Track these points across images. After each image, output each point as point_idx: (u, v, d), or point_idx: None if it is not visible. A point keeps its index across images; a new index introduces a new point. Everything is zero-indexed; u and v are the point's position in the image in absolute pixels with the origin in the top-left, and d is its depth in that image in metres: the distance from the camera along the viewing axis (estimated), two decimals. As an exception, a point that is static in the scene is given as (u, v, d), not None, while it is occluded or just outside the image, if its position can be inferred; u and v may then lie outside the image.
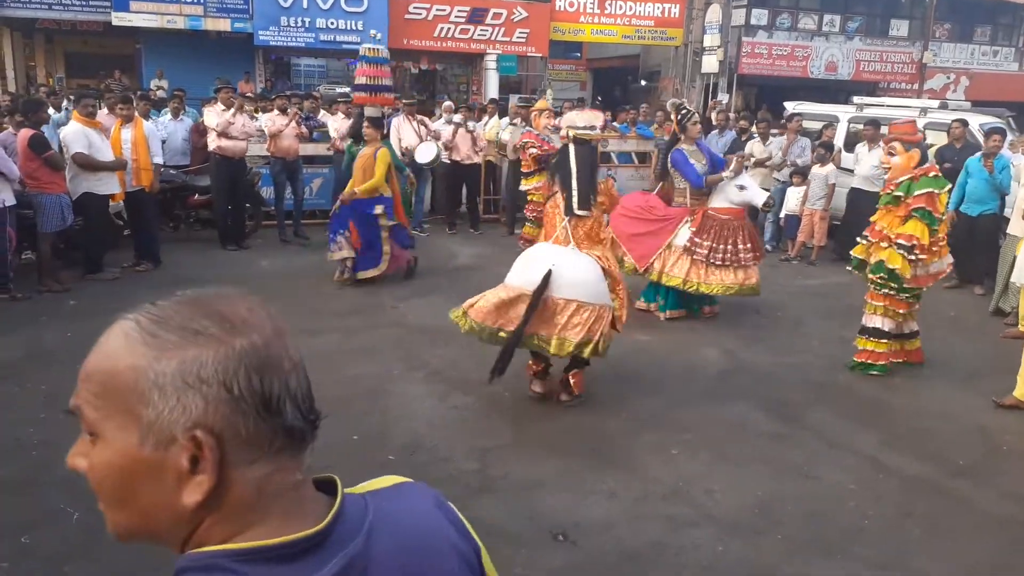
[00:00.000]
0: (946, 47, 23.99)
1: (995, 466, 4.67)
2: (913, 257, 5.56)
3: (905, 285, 5.68)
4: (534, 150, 8.68)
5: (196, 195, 9.58)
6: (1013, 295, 7.45)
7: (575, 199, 4.95)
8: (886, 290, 5.74)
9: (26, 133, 7.10)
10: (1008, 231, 7.67)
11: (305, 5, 18.16)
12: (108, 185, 7.67)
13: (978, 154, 8.55)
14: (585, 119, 5.19)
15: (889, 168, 5.76)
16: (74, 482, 3.62)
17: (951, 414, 5.35)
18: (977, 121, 9.98)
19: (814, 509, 4.07)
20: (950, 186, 5.91)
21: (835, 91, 20.81)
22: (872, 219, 5.93)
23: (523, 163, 9.00)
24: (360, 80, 8.32)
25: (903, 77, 23.15)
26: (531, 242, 9.71)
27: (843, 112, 11.66)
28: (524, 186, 9.12)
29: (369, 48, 8.09)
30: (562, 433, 4.83)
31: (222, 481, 0.78)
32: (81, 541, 3.53)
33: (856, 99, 12.40)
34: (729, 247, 6.79)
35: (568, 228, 5.02)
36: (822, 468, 4.51)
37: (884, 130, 9.62)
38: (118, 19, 17.37)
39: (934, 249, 5.67)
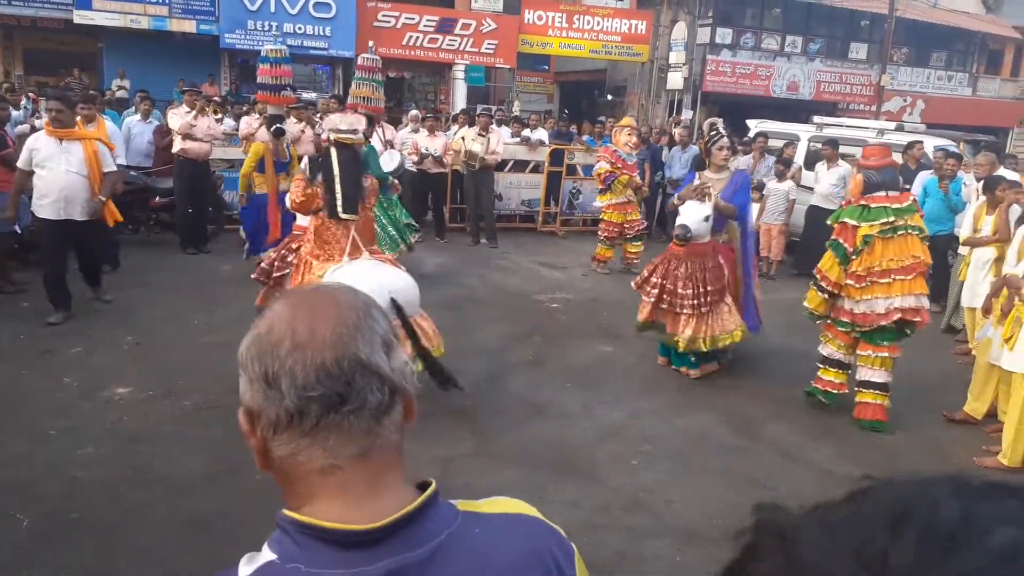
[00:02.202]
0: (903, 71, 24.65)
1: (945, 479, 4.78)
2: (826, 292, 5.34)
3: (836, 318, 5.43)
4: (605, 165, 8.47)
5: (157, 197, 9.43)
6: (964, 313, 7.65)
7: (339, 203, 4.97)
8: (832, 321, 5.52)
9: None
10: (959, 251, 7.89)
11: (273, 9, 18.06)
12: (53, 208, 6.27)
13: (930, 173, 8.79)
14: (348, 122, 5.19)
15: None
16: (23, 488, 3.56)
17: (904, 427, 5.47)
18: (932, 143, 10.27)
19: (771, 520, 4.13)
20: (890, 219, 5.12)
21: (796, 110, 21.24)
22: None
23: (597, 181, 9.39)
24: (263, 80, 8.38)
25: (862, 98, 23.70)
26: (604, 263, 9.72)
27: (804, 131, 11.91)
28: (598, 202, 9.20)
29: (272, 49, 8.14)
30: (524, 443, 4.84)
31: (266, 451, 0.88)
32: (31, 548, 3.45)
33: (816, 119, 12.70)
34: (679, 289, 5.84)
35: (356, 236, 5.03)
36: (778, 479, 4.59)
37: (842, 149, 9.91)
38: (80, 17, 17.08)
39: (852, 284, 5.22)
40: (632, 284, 6.31)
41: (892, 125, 11.82)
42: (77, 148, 6.31)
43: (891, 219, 5.13)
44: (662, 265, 6.01)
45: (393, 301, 4.47)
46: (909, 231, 5.19)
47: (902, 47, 24.56)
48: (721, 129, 6.19)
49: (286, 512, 0.86)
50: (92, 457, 4.29)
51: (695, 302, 5.79)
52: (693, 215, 5.78)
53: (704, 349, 5.94)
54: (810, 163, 10.81)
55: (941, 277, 8.54)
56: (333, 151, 5.06)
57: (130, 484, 4.02)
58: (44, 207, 6.28)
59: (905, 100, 24.45)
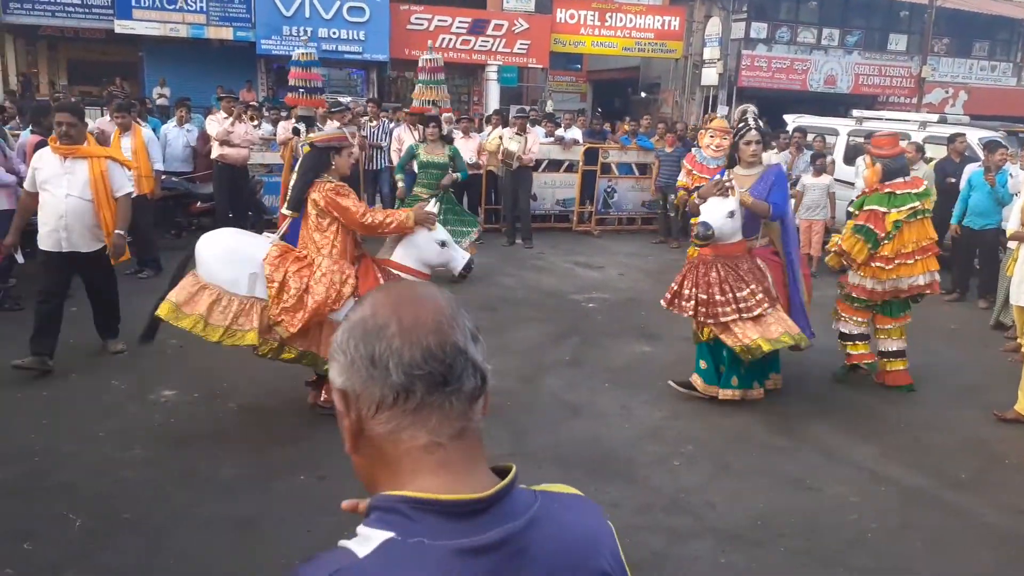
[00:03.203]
0: (944, 61, 24.13)
1: (996, 479, 4.68)
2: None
3: (856, 296, 5.83)
4: (683, 178, 7.68)
5: (198, 202, 9.61)
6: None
7: (288, 198, 5.11)
8: (844, 299, 5.98)
9: (33, 139, 7.07)
10: (1008, 244, 7.70)
11: (308, 15, 18.28)
12: (52, 239, 5.45)
13: (977, 166, 8.59)
14: (329, 130, 5.31)
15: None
16: (76, 488, 3.64)
17: (951, 427, 5.36)
18: (976, 135, 10.04)
19: (815, 521, 4.08)
20: (915, 204, 5.54)
21: (834, 104, 20.90)
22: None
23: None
24: (294, 83, 8.54)
25: (902, 91, 23.26)
26: None
27: (843, 125, 11.72)
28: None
29: (302, 53, 8.30)
30: (562, 443, 4.84)
31: (362, 430, 0.93)
32: (83, 547, 3.53)
33: (855, 112, 12.47)
34: (717, 295, 5.23)
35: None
36: (822, 480, 4.52)
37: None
38: (121, 27, 17.46)
39: (880, 267, 5.63)
40: (662, 302, 5.59)
41: (934, 117, 11.61)
42: (82, 168, 5.42)
43: (916, 204, 5.59)
44: (691, 274, 5.36)
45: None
46: (926, 214, 5.70)
47: (943, 37, 24.03)
48: (751, 120, 5.52)
49: (391, 492, 0.90)
50: (140, 458, 4.38)
51: (739, 306, 5.17)
52: (715, 211, 5.19)
53: (765, 350, 5.17)
54: (850, 158, 10.64)
55: (989, 273, 8.36)
56: (302, 155, 5.13)
57: (177, 485, 4.09)
58: (43, 237, 5.46)
59: (947, 92, 23.93)
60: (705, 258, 5.30)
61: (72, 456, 4.35)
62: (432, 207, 4.99)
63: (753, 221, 5.44)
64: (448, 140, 8.55)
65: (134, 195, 7.96)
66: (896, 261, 5.61)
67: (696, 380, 5.60)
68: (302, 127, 8.43)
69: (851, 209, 5.92)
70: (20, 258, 6.48)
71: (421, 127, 10.66)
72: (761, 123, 5.54)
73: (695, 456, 4.74)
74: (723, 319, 5.19)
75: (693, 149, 8.66)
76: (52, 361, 5.47)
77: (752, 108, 5.69)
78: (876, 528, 4.02)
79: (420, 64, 8.60)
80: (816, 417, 5.41)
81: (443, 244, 4.93)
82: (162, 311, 4.63)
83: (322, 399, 4.93)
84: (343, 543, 0.89)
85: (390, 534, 0.87)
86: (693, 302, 5.30)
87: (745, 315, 5.15)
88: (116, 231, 5.53)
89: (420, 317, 0.91)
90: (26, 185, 5.62)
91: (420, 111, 8.67)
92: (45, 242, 5.47)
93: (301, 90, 8.39)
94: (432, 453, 0.91)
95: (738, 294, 5.19)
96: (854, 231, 5.70)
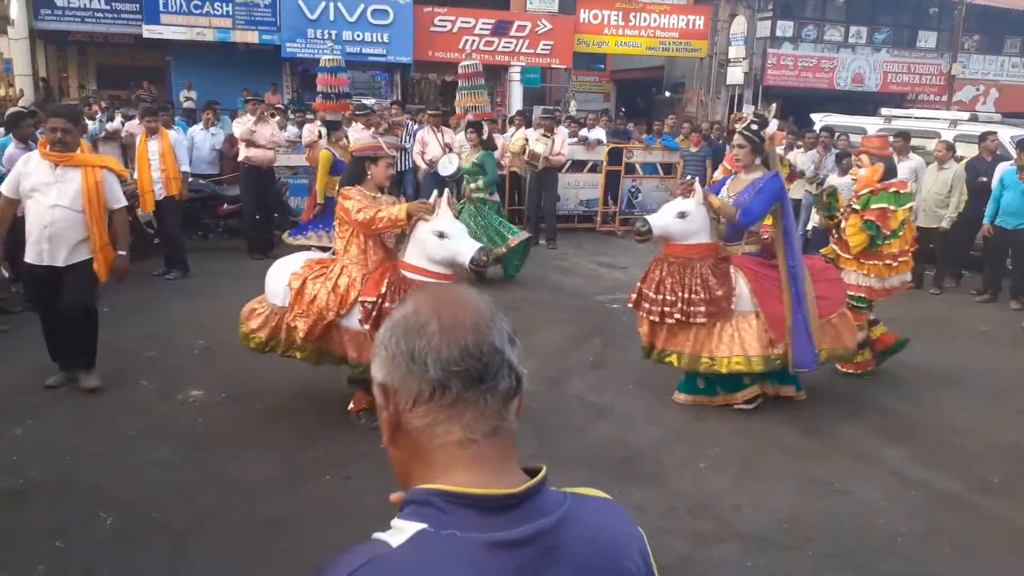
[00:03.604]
0: (975, 59, 23.72)
1: (1029, 484, 4.59)
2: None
3: (856, 296, 5.84)
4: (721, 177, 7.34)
5: (224, 204, 9.71)
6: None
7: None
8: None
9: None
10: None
11: (332, 17, 18.39)
12: (34, 250, 5.02)
13: (1009, 164, 8.45)
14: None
15: (856, 179, 6.03)
16: (106, 488, 3.68)
17: (981, 430, 5.27)
18: (1008, 133, 9.87)
19: (843, 525, 4.03)
20: (912, 204, 6.10)
21: (862, 103, 20.65)
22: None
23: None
24: (321, 88, 8.67)
25: (931, 89, 22.92)
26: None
27: (871, 124, 11.57)
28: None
29: (329, 59, 8.44)
30: (587, 445, 4.82)
31: (399, 423, 0.96)
32: (114, 546, 3.58)
33: (884, 111, 12.33)
34: (651, 292, 5.16)
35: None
36: (851, 483, 4.46)
37: (914, 142, 9.58)
38: (149, 32, 17.68)
39: (888, 264, 5.83)
40: (628, 303, 5.51)
41: (965, 115, 11.41)
42: (74, 177, 4.99)
43: (912, 204, 5.97)
44: (649, 270, 5.31)
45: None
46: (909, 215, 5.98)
47: (973, 34, 23.64)
48: (741, 125, 5.28)
49: (425, 485, 0.93)
50: (168, 459, 4.43)
51: (664, 309, 5.05)
52: (665, 210, 5.20)
53: (698, 371, 5.18)
54: (877, 157, 10.49)
55: (1022, 273, 8.22)
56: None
57: (204, 486, 4.14)
58: (28, 248, 5.05)
59: (978, 89, 23.52)
60: (666, 257, 5.21)
61: (101, 457, 4.41)
62: (434, 199, 4.59)
63: (733, 229, 5.21)
64: (489, 146, 8.54)
65: (162, 196, 8.13)
66: (900, 259, 5.85)
67: (700, 399, 5.44)
68: (358, 133, 8.59)
69: (855, 206, 5.82)
70: (5, 272, 6.26)
71: (446, 129, 10.72)
72: (756, 127, 5.14)
73: (721, 459, 4.70)
74: (647, 315, 5.16)
75: (729, 148, 7.67)
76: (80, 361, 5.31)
77: (752, 114, 5.55)
78: (905, 532, 3.97)
79: (460, 71, 8.66)
80: (844, 419, 5.35)
81: (441, 235, 4.42)
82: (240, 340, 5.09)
83: (350, 407, 4.97)
84: (377, 535, 0.91)
85: (423, 525, 0.89)
86: (636, 296, 5.31)
87: (669, 319, 5.04)
88: (118, 252, 5.24)
89: (459, 317, 0.95)
90: (4, 189, 5.10)
91: (460, 117, 8.75)
92: (29, 254, 5.06)
93: (330, 95, 8.54)
94: (466, 448, 0.94)
95: (667, 296, 5.06)
96: (865, 227, 5.70)
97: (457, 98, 8.68)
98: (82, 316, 5.21)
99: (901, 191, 5.83)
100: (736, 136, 5.28)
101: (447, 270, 4.55)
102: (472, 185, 8.23)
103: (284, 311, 4.81)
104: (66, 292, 5.08)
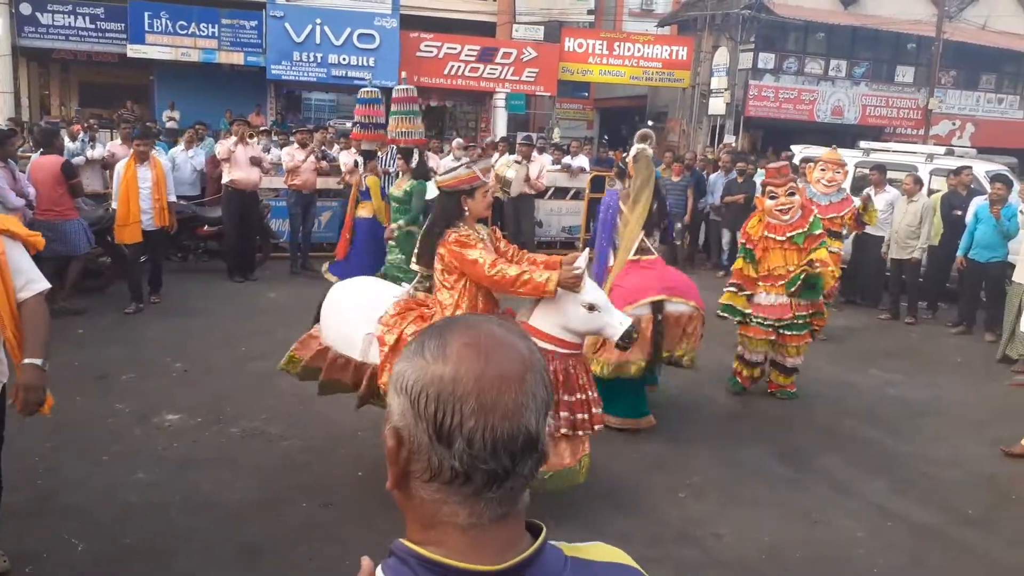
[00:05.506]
0: (951, 94, 24.21)
1: (1004, 515, 4.63)
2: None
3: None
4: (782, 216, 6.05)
5: (205, 226, 9.65)
6: (1021, 342, 7.44)
7: (417, 252, 4.47)
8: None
9: (56, 160, 7.23)
10: (1013, 278, 7.69)
11: (318, 41, 18.46)
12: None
13: (983, 199, 8.60)
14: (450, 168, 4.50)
15: (789, 208, 5.97)
16: (81, 512, 3.61)
17: (959, 462, 5.32)
18: (983, 168, 10.05)
19: (822, 555, 4.04)
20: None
21: (841, 135, 20.97)
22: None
23: None
24: (358, 119, 8.87)
25: (909, 122, 23.33)
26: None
27: (850, 156, 11.73)
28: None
29: (366, 91, 8.60)
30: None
31: (406, 484, 0.89)
32: (88, 571, 3.52)
33: (862, 144, 12.52)
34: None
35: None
36: (830, 514, 4.48)
37: (890, 175, 9.74)
38: (133, 51, 17.66)
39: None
40: None
41: (942, 149, 11.61)
42: None
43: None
44: None
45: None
46: None
47: (950, 70, 24.15)
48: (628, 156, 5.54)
49: (408, 543, 0.89)
50: (145, 482, 4.36)
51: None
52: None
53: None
54: (856, 189, 10.64)
55: (996, 306, 8.33)
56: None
57: (181, 510, 4.08)
58: None
59: (954, 124, 23.98)
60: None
61: (77, 479, 4.34)
62: (582, 260, 3.98)
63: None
64: (420, 174, 8.08)
65: (152, 228, 7.60)
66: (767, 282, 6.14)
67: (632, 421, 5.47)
68: (360, 159, 8.75)
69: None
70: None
71: (431, 154, 10.77)
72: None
73: (702, 487, 4.71)
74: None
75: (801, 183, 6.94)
76: None
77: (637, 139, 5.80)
78: (883, 564, 3.98)
79: (394, 94, 8.59)
80: (824, 450, 5.38)
81: (591, 308, 3.94)
82: (282, 363, 4.66)
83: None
84: None
85: None
86: None
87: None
88: (27, 360, 2.97)
89: (502, 393, 0.85)
90: None
91: (393, 142, 8.63)
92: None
93: (368, 126, 8.76)
94: (468, 532, 0.87)
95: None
96: (823, 245, 6.00)
97: (391, 122, 8.60)
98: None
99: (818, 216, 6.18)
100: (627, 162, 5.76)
101: (580, 340, 4.12)
102: (392, 226, 7.90)
103: (360, 364, 4.27)
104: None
